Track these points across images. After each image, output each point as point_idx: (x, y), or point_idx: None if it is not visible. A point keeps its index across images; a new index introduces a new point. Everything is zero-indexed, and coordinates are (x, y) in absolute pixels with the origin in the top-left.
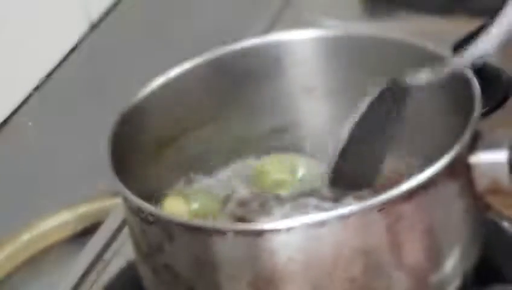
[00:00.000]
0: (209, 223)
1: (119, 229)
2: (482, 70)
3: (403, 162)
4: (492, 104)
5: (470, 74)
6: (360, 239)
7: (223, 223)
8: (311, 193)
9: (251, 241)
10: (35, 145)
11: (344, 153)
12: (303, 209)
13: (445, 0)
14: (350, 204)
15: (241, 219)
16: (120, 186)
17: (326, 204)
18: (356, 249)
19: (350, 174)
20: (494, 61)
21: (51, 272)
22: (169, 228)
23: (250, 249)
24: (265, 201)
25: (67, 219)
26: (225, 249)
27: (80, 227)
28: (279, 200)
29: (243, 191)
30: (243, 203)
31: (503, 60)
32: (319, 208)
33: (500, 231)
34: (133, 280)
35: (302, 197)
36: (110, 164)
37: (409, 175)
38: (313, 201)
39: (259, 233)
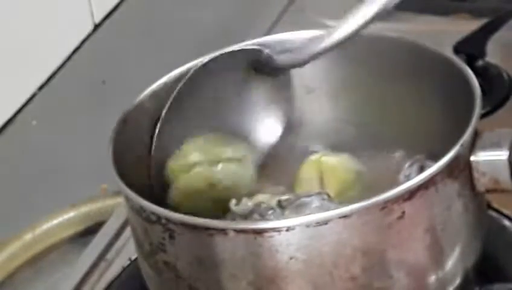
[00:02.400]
0: (210, 221)
1: (121, 229)
2: (484, 70)
3: (403, 161)
4: (494, 104)
5: (470, 74)
6: (361, 238)
7: (224, 221)
8: (313, 193)
9: (252, 240)
10: (38, 145)
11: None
12: (305, 211)
13: (445, 1)
14: (352, 203)
15: None
16: (122, 185)
17: (328, 204)
18: (357, 248)
19: None
20: (495, 61)
21: (54, 271)
22: (171, 226)
23: (251, 247)
24: (265, 210)
25: (70, 218)
26: (226, 248)
27: (82, 226)
28: (280, 206)
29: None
30: (244, 217)
31: (505, 60)
32: (321, 209)
33: (501, 229)
34: (135, 278)
35: (303, 198)
36: (112, 164)
37: (410, 174)
38: (315, 202)
39: (260, 232)
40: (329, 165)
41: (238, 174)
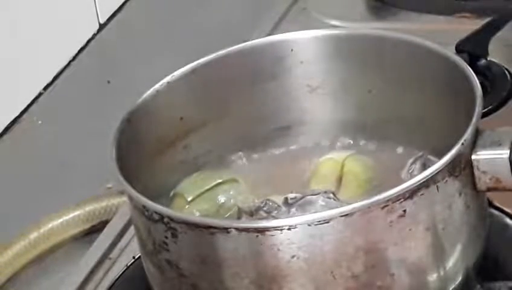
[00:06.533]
0: (212, 220)
1: (126, 227)
2: (486, 69)
3: (405, 160)
4: (496, 103)
5: (471, 73)
6: (362, 236)
7: (226, 220)
8: (318, 192)
9: (254, 239)
10: (44, 144)
11: None
12: (310, 209)
13: (448, 0)
14: (354, 202)
15: None
16: (125, 184)
17: (334, 203)
18: (359, 246)
19: None
20: (498, 60)
21: (59, 270)
22: (173, 225)
23: (253, 246)
24: (272, 207)
25: (74, 217)
26: (228, 247)
27: (87, 225)
28: (287, 203)
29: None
30: (251, 213)
31: (507, 59)
32: (326, 207)
33: (502, 227)
34: (139, 277)
35: (309, 197)
36: (115, 163)
37: (413, 171)
38: (320, 200)
39: (262, 230)
40: (351, 169)
41: (236, 192)
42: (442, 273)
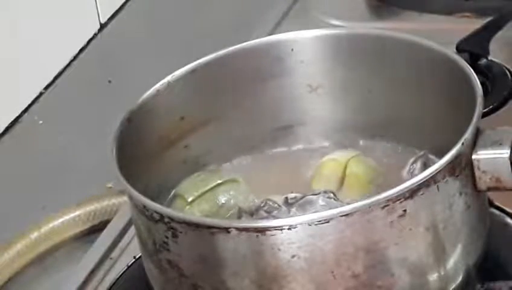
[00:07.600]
0: (212, 220)
1: (126, 227)
2: (487, 69)
3: (406, 159)
4: (497, 102)
5: (472, 73)
6: (363, 236)
7: (226, 220)
8: (319, 192)
9: (254, 239)
10: (44, 144)
11: None
12: (311, 209)
13: (448, 0)
14: (354, 202)
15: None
16: (125, 184)
17: (334, 203)
18: (359, 246)
19: None
20: (498, 59)
21: (60, 270)
22: (174, 225)
23: (253, 246)
24: (272, 207)
25: (75, 217)
26: (228, 246)
27: (88, 225)
28: (287, 203)
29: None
30: (251, 213)
31: (508, 58)
32: (326, 207)
33: (503, 227)
34: (139, 277)
35: (309, 196)
36: (116, 163)
37: (414, 170)
38: (320, 200)
39: (263, 230)
40: (355, 171)
41: (236, 192)
42: (442, 273)
